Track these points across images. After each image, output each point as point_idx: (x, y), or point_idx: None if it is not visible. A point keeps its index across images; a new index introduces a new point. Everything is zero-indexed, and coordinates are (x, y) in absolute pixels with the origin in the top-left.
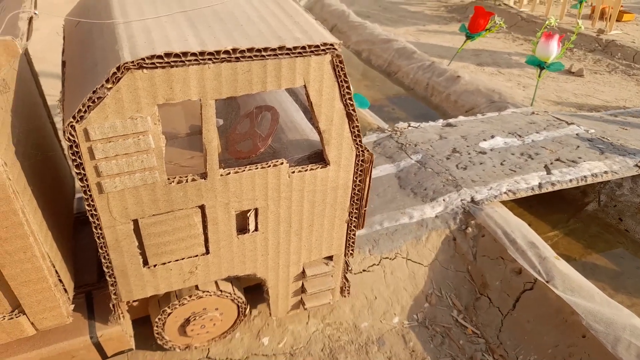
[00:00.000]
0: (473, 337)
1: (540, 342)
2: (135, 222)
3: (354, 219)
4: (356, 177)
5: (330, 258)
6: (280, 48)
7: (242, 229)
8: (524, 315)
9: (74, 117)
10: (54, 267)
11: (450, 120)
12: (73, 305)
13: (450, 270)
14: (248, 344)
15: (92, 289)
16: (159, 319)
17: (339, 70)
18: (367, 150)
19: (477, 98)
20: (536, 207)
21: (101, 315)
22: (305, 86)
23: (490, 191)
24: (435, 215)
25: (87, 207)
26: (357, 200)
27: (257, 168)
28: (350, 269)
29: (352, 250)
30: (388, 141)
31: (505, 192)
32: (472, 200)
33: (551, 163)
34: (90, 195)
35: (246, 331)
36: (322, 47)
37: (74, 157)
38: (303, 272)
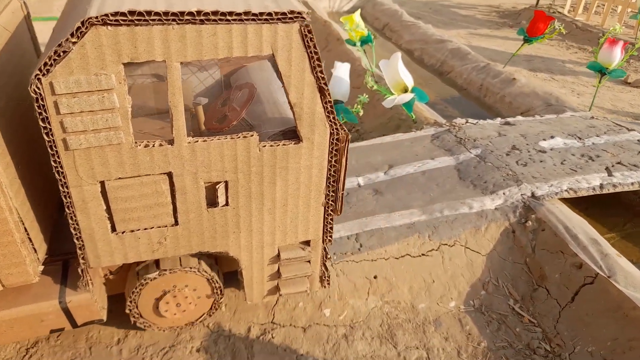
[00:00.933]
0: (530, 326)
1: (599, 335)
2: (103, 184)
3: (330, 202)
4: (331, 157)
5: (307, 243)
6: (246, 13)
7: (213, 203)
8: (583, 308)
9: (40, 70)
10: (22, 223)
11: (509, 119)
12: (42, 267)
13: (508, 261)
14: (311, 313)
15: (70, 257)
16: (132, 292)
17: (308, 41)
18: (343, 130)
19: (533, 100)
20: (591, 209)
21: (73, 283)
22: (273, 55)
23: (551, 188)
24: (494, 207)
25: (53, 164)
26: (333, 182)
27: (225, 138)
28: (329, 257)
29: (331, 237)
30: (446, 135)
31: (566, 190)
32: (533, 196)
33: (612, 165)
34: (56, 152)
35: (309, 302)
36: (289, 15)
37: (39, 111)
38: (278, 255)
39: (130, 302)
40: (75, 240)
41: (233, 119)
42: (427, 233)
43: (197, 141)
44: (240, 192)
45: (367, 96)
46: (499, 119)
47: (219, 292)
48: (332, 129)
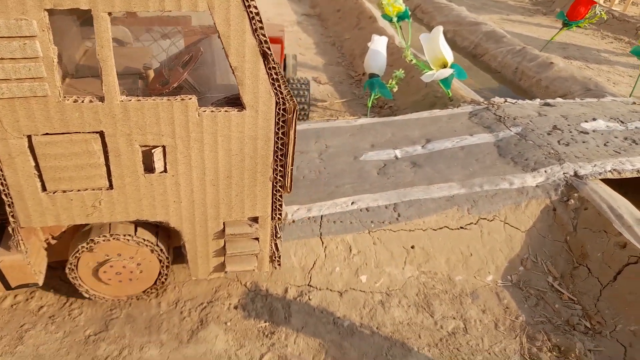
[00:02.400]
0: (569, 303)
1: None
2: (30, 139)
3: (278, 177)
4: (278, 129)
5: (256, 220)
6: None
7: (150, 169)
8: (625, 287)
9: None
10: None
11: (549, 100)
12: None
13: (548, 239)
14: (347, 278)
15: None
16: (71, 256)
17: (247, 0)
18: (292, 99)
19: (571, 85)
20: (631, 194)
21: (7, 244)
22: (210, 12)
23: (594, 168)
24: (535, 184)
25: None
26: (281, 156)
27: (161, 100)
28: (279, 236)
29: (280, 214)
30: (485, 113)
31: (610, 171)
32: (576, 175)
33: None
34: None
35: (345, 267)
36: None
37: None
38: (224, 230)
39: (70, 268)
40: (4, 197)
41: (174, 81)
42: (466, 206)
43: (130, 100)
44: (179, 159)
45: (403, 71)
46: (537, 99)
47: (164, 265)
48: (278, 98)
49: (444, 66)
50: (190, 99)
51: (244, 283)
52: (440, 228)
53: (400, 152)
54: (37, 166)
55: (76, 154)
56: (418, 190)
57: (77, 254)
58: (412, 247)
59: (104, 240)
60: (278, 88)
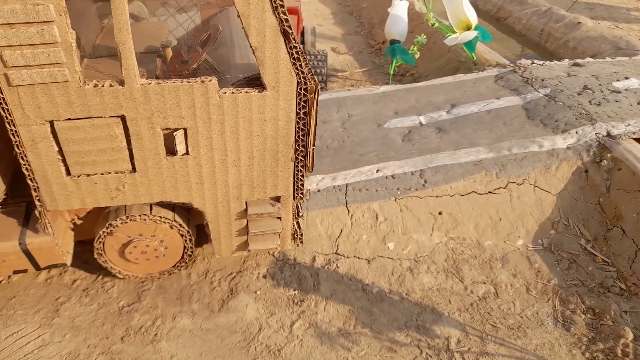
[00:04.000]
0: (603, 265)
1: None
2: (52, 125)
3: (300, 157)
4: (299, 109)
5: (278, 200)
6: None
7: (173, 151)
8: None
9: None
10: None
11: (578, 60)
12: None
13: (580, 201)
14: (374, 246)
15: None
16: (99, 235)
17: None
18: (313, 79)
19: (600, 45)
20: None
21: (35, 226)
22: None
23: (628, 127)
24: (566, 146)
25: None
26: (302, 136)
27: (181, 82)
28: (301, 215)
29: (302, 193)
30: (512, 75)
31: None
32: (608, 135)
33: None
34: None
35: (372, 235)
36: None
37: None
38: (247, 210)
39: (98, 253)
40: (29, 182)
41: (193, 62)
42: (494, 171)
43: (151, 83)
44: (200, 142)
45: (425, 36)
46: (566, 60)
47: (187, 239)
48: (299, 78)
49: (468, 29)
50: (211, 80)
51: (272, 253)
52: (468, 193)
53: (424, 118)
54: (60, 151)
55: (98, 139)
56: (444, 156)
57: (101, 239)
58: (440, 213)
59: (121, 223)
60: (299, 67)
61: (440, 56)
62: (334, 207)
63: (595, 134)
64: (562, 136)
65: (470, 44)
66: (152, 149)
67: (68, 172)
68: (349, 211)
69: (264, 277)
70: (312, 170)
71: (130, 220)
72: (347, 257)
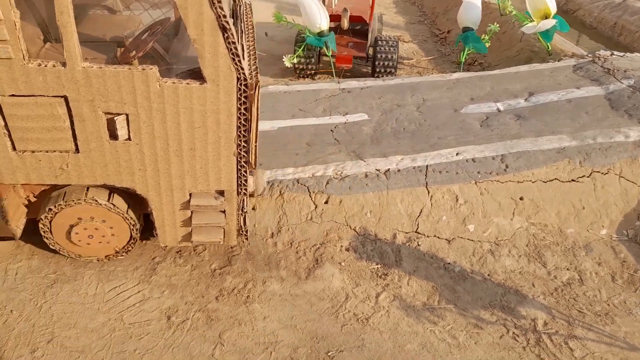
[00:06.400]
0: None
1: None
2: None
3: (242, 153)
4: (240, 104)
5: (222, 194)
6: None
7: (115, 135)
8: None
9: None
10: None
11: None
12: None
13: None
14: (454, 227)
15: None
16: (44, 216)
17: None
18: (254, 76)
19: None
20: None
21: None
22: None
23: None
24: None
25: None
26: (244, 131)
27: (122, 68)
28: (246, 210)
29: (245, 189)
30: (591, 66)
31: None
32: None
33: None
34: None
35: (452, 216)
36: None
37: None
38: (190, 201)
39: (43, 225)
40: None
41: (140, 50)
42: (578, 159)
43: (93, 67)
44: (142, 128)
45: (497, 25)
46: None
47: (133, 228)
48: (239, 74)
49: (546, 17)
50: (152, 69)
51: (353, 227)
52: (550, 180)
53: (502, 105)
54: (5, 125)
55: (42, 117)
56: (526, 142)
57: (50, 213)
58: (521, 198)
59: (75, 203)
60: (238, 64)
61: (511, 46)
62: (413, 187)
63: None
64: None
65: (547, 33)
66: (95, 132)
67: (14, 147)
68: (428, 192)
69: (347, 250)
70: (255, 167)
71: (67, 205)
72: (428, 237)
